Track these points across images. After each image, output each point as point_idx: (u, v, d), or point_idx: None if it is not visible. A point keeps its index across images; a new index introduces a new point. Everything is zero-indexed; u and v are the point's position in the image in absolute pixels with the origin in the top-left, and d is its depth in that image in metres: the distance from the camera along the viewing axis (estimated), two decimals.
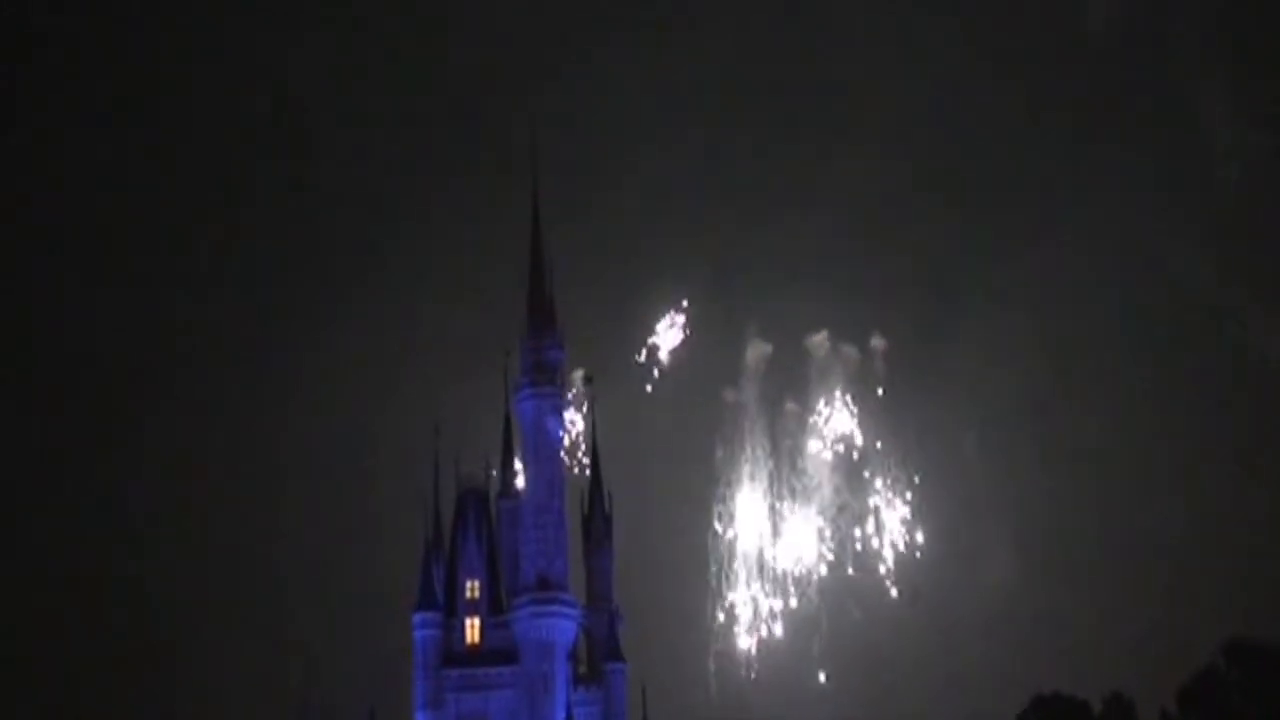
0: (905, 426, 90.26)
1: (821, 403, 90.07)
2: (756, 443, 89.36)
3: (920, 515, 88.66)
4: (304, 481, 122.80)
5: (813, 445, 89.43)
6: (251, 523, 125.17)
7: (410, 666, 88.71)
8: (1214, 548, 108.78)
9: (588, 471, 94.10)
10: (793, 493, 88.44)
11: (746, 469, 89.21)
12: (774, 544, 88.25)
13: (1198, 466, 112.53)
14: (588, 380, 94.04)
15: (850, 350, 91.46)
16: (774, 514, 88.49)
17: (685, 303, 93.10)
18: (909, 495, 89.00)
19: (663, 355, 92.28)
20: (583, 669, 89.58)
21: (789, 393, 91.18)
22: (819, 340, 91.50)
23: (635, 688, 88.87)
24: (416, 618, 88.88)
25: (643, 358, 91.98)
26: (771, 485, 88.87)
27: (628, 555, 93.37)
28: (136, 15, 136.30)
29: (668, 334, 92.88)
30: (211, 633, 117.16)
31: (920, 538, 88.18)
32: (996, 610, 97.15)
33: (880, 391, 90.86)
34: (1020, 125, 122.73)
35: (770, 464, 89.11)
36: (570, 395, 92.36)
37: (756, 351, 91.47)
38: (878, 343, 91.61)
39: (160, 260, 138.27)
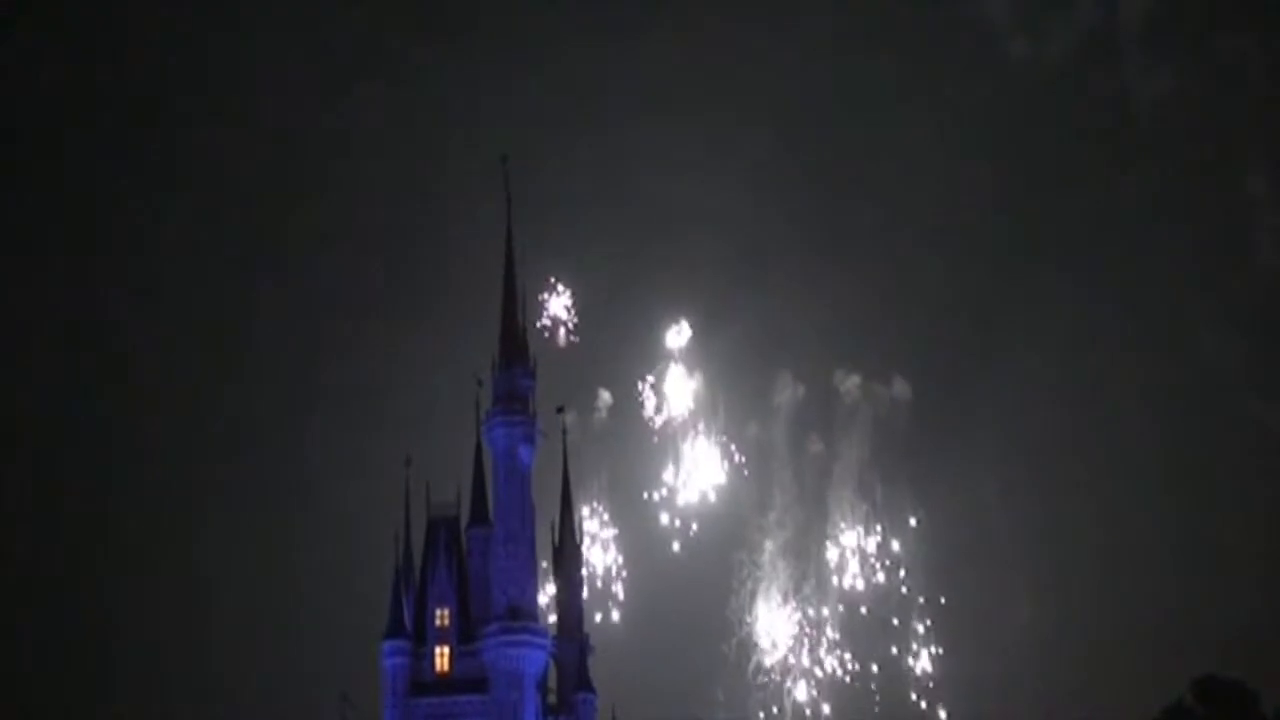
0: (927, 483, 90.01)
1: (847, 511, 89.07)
2: (786, 489, 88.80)
3: (931, 572, 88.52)
4: (276, 509, 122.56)
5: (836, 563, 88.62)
6: (221, 549, 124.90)
7: (379, 695, 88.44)
8: (1189, 589, 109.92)
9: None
10: (819, 595, 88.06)
11: (773, 516, 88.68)
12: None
13: (1192, 521, 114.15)
14: (559, 410, 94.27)
15: (881, 390, 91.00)
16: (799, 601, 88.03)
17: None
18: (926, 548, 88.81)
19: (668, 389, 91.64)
20: (552, 699, 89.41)
21: (814, 430, 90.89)
22: (849, 385, 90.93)
23: (604, 718, 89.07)
24: (386, 646, 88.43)
25: (649, 398, 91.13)
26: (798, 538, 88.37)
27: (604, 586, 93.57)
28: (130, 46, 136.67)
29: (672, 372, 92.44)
30: (179, 660, 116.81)
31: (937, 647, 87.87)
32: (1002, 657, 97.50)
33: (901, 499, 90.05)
34: (1058, 194, 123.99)
35: (800, 514, 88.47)
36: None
37: (786, 390, 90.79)
38: (902, 390, 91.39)
39: (127, 275, 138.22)
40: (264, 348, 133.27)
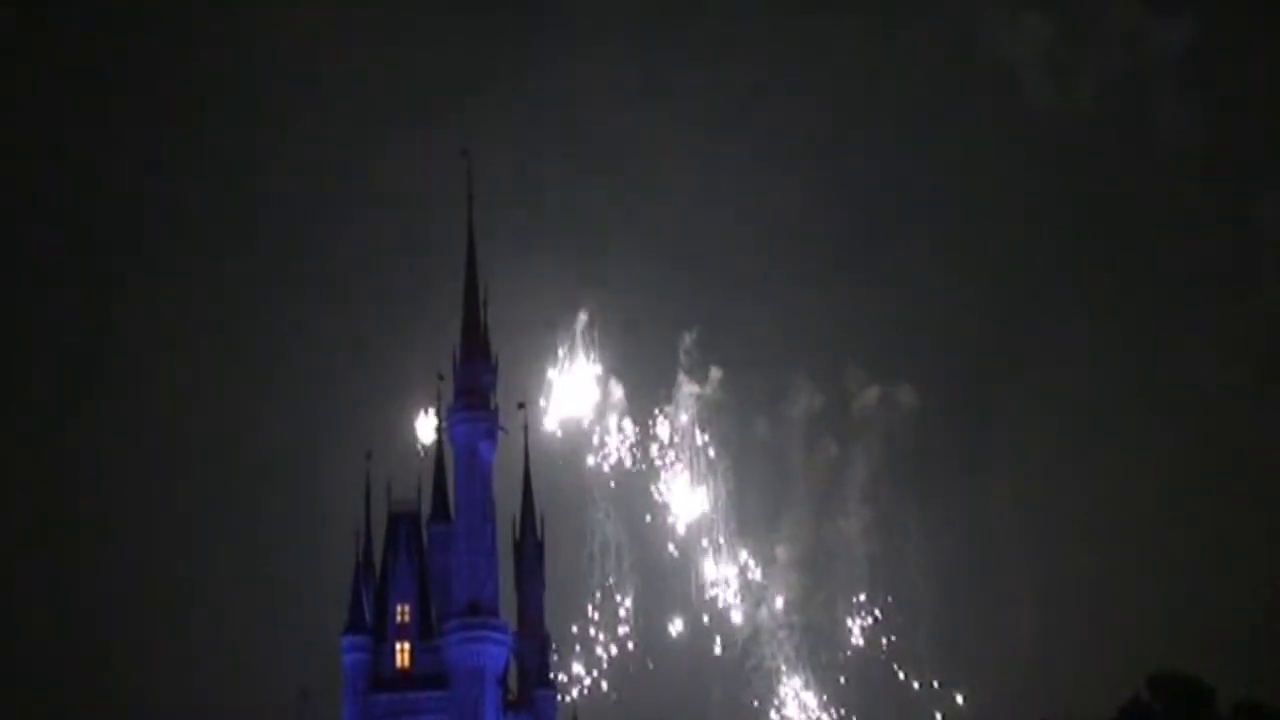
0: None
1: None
2: (799, 503, 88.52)
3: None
4: (236, 504, 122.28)
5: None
6: (181, 543, 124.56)
7: (339, 691, 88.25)
8: (1146, 587, 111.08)
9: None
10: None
11: (786, 530, 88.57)
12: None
13: (1193, 530, 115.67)
14: (521, 406, 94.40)
15: (890, 398, 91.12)
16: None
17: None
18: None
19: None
20: (512, 695, 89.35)
21: (825, 436, 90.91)
22: (867, 396, 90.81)
23: (564, 715, 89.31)
24: (345, 641, 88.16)
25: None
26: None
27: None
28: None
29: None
30: (137, 655, 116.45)
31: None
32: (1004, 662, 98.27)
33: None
34: (1072, 216, 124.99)
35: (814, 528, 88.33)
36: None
37: (802, 397, 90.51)
38: (910, 400, 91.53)
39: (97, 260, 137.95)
40: (226, 339, 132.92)
